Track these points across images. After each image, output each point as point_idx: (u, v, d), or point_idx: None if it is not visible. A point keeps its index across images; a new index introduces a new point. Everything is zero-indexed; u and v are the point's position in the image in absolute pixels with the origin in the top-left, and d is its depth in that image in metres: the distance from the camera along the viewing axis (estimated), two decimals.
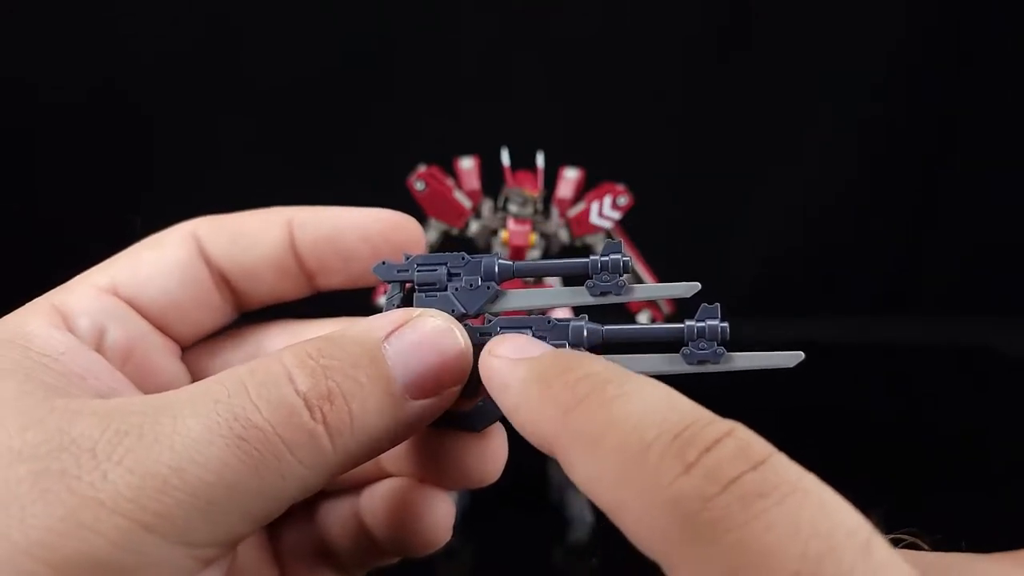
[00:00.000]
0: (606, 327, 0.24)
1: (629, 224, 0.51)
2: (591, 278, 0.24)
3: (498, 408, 0.22)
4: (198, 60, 0.78)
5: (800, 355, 0.23)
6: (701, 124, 0.84)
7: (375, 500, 0.26)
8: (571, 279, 0.25)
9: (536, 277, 0.26)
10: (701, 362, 0.23)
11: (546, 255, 0.51)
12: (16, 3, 0.74)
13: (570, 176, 0.51)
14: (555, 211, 0.50)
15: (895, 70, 0.83)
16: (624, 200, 0.49)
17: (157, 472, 0.18)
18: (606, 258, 0.24)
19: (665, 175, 0.81)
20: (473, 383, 0.23)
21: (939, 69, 0.83)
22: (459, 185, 0.51)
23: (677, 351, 0.23)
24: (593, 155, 0.52)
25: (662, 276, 0.51)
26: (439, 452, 0.25)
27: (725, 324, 0.23)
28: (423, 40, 0.80)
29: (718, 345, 0.23)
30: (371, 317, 0.22)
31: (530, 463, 0.57)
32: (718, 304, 0.23)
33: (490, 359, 0.21)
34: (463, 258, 0.24)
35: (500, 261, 0.24)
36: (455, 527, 0.56)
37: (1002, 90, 0.84)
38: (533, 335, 0.23)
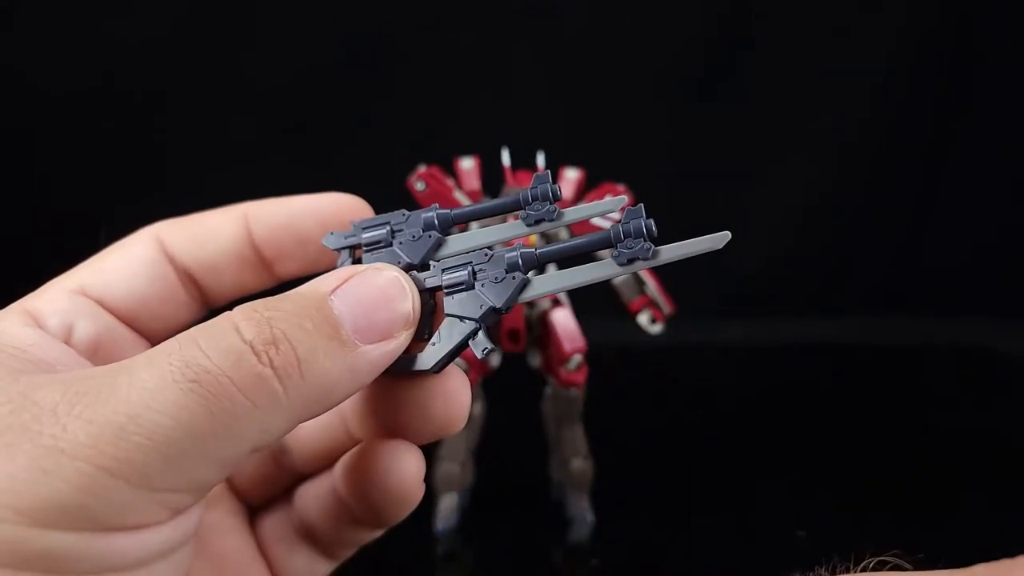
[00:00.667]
0: (540, 250, 0.24)
1: None
2: (523, 209, 0.25)
3: (453, 346, 0.23)
4: (200, 60, 0.78)
5: (727, 235, 0.23)
6: (701, 125, 0.84)
7: (344, 467, 0.26)
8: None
9: (472, 219, 0.27)
10: (631, 260, 0.24)
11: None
12: (21, 2, 0.75)
13: (571, 176, 0.51)
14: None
15: (894, 70, 0.83)
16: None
17: (114, 420, 0.19)
18: (535, 189, 0.25)
19: (665, 175, 0.81)
20: (423, 326, 0.24)
21: (938, 69, 0.83)
22: (459, 185, 0.51)
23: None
24: (593, 155, 0.52)
25: (662, 275, 0.51)
26: (401, 404, 0.25)
27: (650, 220, 0.23)
28: (424, 40, 0.80)
29: (644, 241, 0.23)
30: (317, 278, 0.23)
31: (530, 463, 0.57)
32: (641, 205, 0.24)
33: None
34: (403, 214, 0.26)
35: (439, 211, 0.25)
36: (455, 528, 0.56)
37: (1002, 89, 0.84)
38: (473, 269, 0.24)
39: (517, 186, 0.49)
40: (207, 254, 0.27)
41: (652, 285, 0.50)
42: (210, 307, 0.28)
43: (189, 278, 0.27)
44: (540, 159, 0.50)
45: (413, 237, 0.25)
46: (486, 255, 0.24)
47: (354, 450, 0.26)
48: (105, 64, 0.77)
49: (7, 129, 0.78)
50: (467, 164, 0.51)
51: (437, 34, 0.80)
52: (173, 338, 0.21)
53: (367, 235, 0.25)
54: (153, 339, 0.27)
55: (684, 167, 0.83)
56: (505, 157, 0.49)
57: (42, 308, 0.24)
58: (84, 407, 0.19)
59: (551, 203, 0.25)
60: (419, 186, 0.49)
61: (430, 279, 0.24)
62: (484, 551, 0.53)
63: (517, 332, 0.49)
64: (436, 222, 0.25)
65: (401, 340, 0.23)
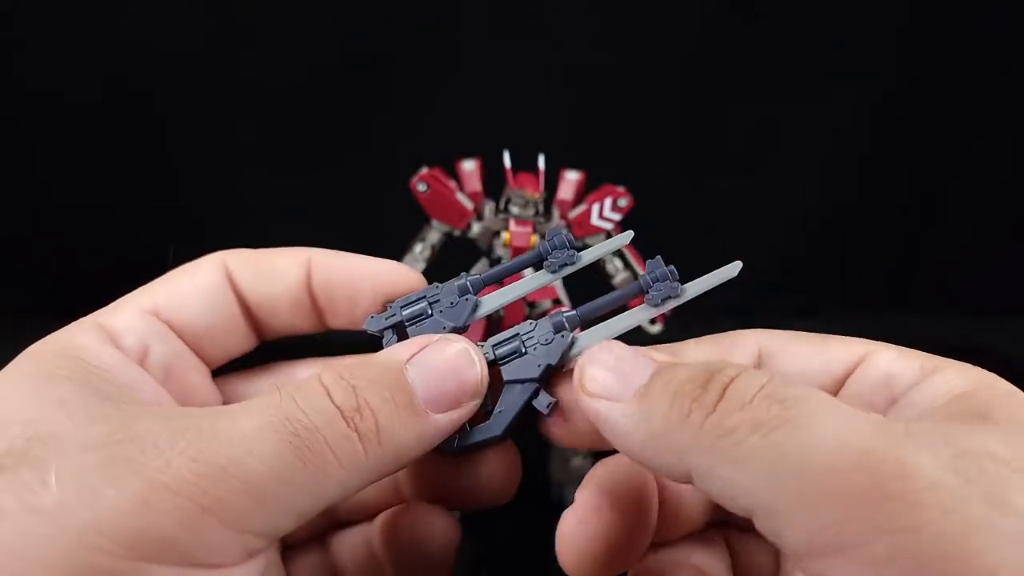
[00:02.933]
0: (579, 309, 0.27)
1: (629, 226, 0.51)
2: (545, 259, 0.28)
3: (519, 408, 0.25)
4: (202, 62, 0.79)
5: (739, 264, 0.27)
6: (700, 127, 0.84)
7: (384, 526, 0.28)
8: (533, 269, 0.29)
9: (501, 279, 0.29)
10: (665, 300, 0.26)
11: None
12: (27, 6, 0.75)
13: (571, 178, 0.51)
14: (556, 213, 0.51)
15: (894, 70, 0.84)
16: (624, 202, 0.50)
17: (216, 461, 0.20)
18: (551, 239, 0.28)
19: (665, 177, 0.81)
20: (487, 396, 0.25)
21: (938, 68, 0.84)
22: (461, 187, 0.51)
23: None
24: (594, 157, 0.53)
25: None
26: (459, 471, 0.27)
27: (671, 266, 0.27)
28: (425, 43, 0.80)
29: (672, 282, 0.26)
30: (396, 344, 0.25)
31: (531, 461, 0.57)
32: (659, 257, 0.27)
33: (591, 403, 0.23)
34: (436, 286, 0.28)
35: (470, 277, 0.28)
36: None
37: (1002, 87, 0.84)
38: (522, 338, 0.26)
39: (518, 188, 0.49)
40: (270, 292, 0.28)
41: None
42: (261, 340, 0.29)
43: (248, 311, 0.28)
44: (541, 161, 0.50)
45: (451, 303, 0.27)
46: (531, 325, 0.26)
47: (395, 510, 0.28)
48: (114, 65, 0.78)
49: (15, 128, 0.79)
50: (469, 166, 0.51)
51: (439, 37, 0.80)
52: (268, 394, 0.22)
53: (407, 311, 0.27)
54: (209, 364, 0.28)
55: (683, 169, 0.84)
56: (507, 159, 0.50)
57: (118, 326, 0.25)
58: (187, 444, 0.20)
59: (569, 249, 0.28)
60: (421, 188, 0.50)
61: (497, 348, 0.26)
62: (484, 548, 0.53)
63: None
64: (469, 287, 0.27)
65: (468, 408, 0.24)
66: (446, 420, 0.24)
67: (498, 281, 0.28)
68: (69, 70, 0.78)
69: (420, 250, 0.51)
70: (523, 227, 0.49)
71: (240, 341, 0.28)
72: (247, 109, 0.81)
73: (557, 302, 0.51)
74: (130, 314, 0.26)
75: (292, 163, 0.82)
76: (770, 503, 0.19)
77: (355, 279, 0.28)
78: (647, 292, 0.26)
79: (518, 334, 0.26)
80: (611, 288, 0.52)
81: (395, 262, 0.28)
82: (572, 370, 0.25)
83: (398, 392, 0.23)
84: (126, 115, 0.80)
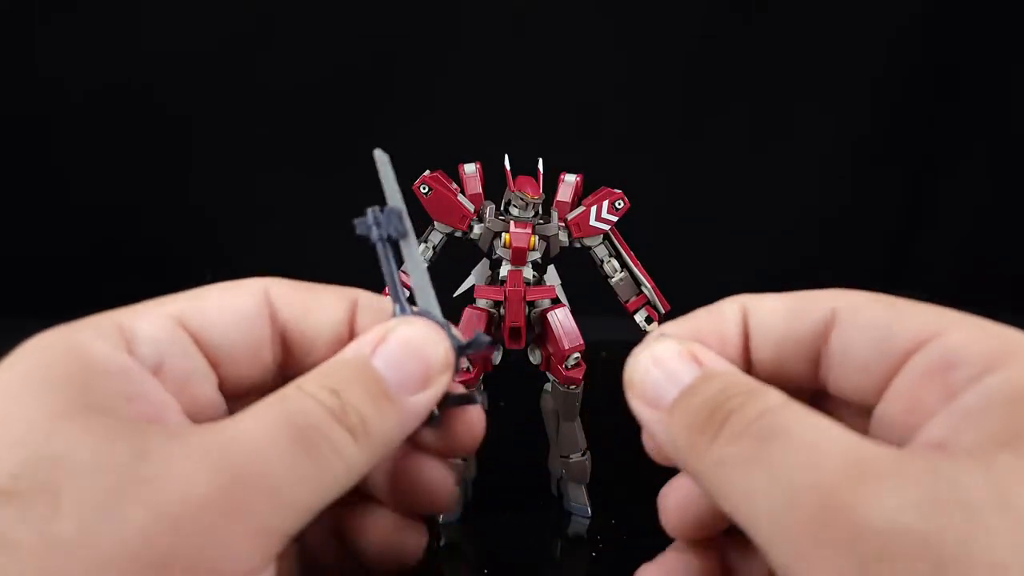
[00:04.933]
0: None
1: (627, 227, 0.52)
2: (374, 244, 0.27)
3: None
4: (205, 64, 0.80)
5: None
6: (698, 130, 0.84)
7: (360, 522, 0.28)
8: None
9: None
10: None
11: (546, 256, 0.52)
12: (39, 10, 0.76)
13: (570, 180, 0.52)
14: (555, 214, 0.51)
15: (893, 70, 0.84)
16: (621, 204, 0.51)
17: (233, 468, 0.20)
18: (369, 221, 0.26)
19: (663, 179, 0.82)
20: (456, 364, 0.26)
21: (933, 70, 0.84)
22: (463, 189, 0.52)
23: None
24: (592, 160, 0.53)
25: (658, 279, 0.52)
26: (411, 478, 0.27)
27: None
28: (427, 49, 0.81)
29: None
30: (355, 340, 0.25)
31: (530, 457, 0.58)
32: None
33: (635, 404, 0.25)
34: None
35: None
36: (457, 520, 0.57)
37: (998, 89, 0.85)
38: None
39: (518, 190, 0.50)
40: (311, 329, 0.27)
41: (648, 286, 0.52)
42: (285, 376, 0.27)
43: (281, 342, 0.27)
44: (540, 164, 0.51)
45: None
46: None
47: (369, 513, 0.28)
48: (126, 69, 0.79)
49: (30, 127, 0.80)
50: (470, 169, 0.52)
51: (441, 43, 0.81)
52: (273, 396, 0.22)
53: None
54: (232, 384, 0.27)
55: (681, 171, 0.84)
56: (507, 162, 0.51)
57: (138, 332, 0.24)
58: (201, 455, 0.20)
59: (384, 217, 0.26)
60: (424, 190, 0.50)
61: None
62: (485, 542, 0.54)
63: (518, 330, 0.50)
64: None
65: (440, 385, 0.25)
66: (421, 400, 0.25)
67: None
68: (79, 70, 0.79)
69: (422, 251, 0.52)
70: (523, 228, 0.50)
71: (261, 373, 0.27)
72: (257, 111, 0.82)
73: (556, 301, 0.52)
74: (154, 320, 0.25)
75: (297, 166, 0.83)
76: (752, 534, 0.21)
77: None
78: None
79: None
80: (611, 288, 0.53)
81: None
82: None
83: (371, 384, 0.24)
84: (135, 116, 0.81)
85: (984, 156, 0.87)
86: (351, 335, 0.27)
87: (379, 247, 0.26)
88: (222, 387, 0.26)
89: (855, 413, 0.26)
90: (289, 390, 0.23)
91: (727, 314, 0.27)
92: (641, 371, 0.25)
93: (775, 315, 0.27)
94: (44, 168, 0.82)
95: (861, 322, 0.25)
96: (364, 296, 0.28)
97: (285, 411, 0.22)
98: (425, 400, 0.25)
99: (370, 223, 0.26)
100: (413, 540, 0.28)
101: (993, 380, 0.21)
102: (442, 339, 0.25)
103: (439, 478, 0.28)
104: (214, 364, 0.26)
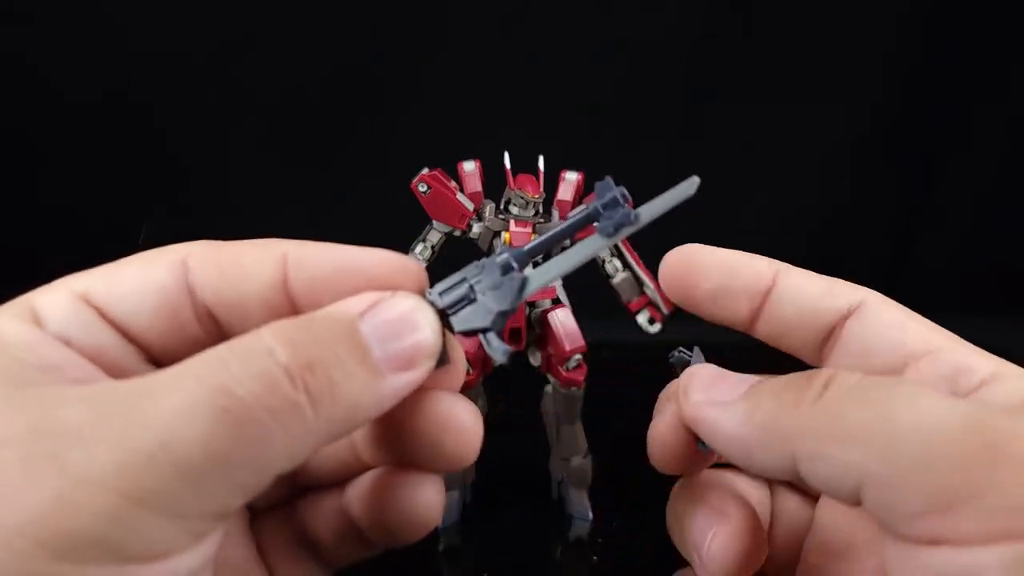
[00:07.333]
0: (527, 246, 0.25)
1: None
2: (596, 221, 0.25)
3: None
4: (206, 65, 0.79)
5: (696, 180, 0.26)
6: (699, 129, 0.84)
7: (361, 493, 0.26)
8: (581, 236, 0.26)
9: (548, 249, 0.26)
10: (617, 228, 0.24)
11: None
12: (31, 12, 0.76)
13: (570, 179, 0.51)
14: (556, 213, 0.51)
15: (893, 69, 0.84)
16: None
17: (143, 448, 0.18)
18: (604, 198, 0.25)
19: (663, 179, 0.82)
20: (444, 355, 0.24)
21: (932, 69, 0.84)
22: (462, 188, 0.51)
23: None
24: (593, 158, 0.53)
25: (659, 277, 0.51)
26: (413, 437, 0.25)
27: (622, 187, 0.24)
28: (426, 46, 0.81)
29: (623, 208, 0.24)
30: (341, 301, 0.23)
31: (530, 460, 0.58)
32: (609, 177, 0.25)
33: (695, 410, 0.25)
34: (477, 266, 0.25)
35: (512, 251, 0.25)
36: (456, 524, 0.57)
37: (997, 88, 0.85)
38: (469, 283, 0.24)
39: (518, 189, 0.49)
40: (236, 294, 0.24)
41: (651, 286, 0.51)
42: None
43: (208, 314, 0.24)
44: (541, 162, 0.50)
45: (494, 285, 0.24)
46: (478, 267, 0.24)
47: (370, 475, 0.26)
48: (116, 72, 0.78)
49: (18, 130, 0.79)
50: (469, 167, 0.52)
51: (440, 41, 0.81)
52: (201, 356, 0.20)
53: (447, 299, 0.24)
54: (159, 359, 0.24)
55: (681, 171, 0.84)
56: (506, 160, 0.50)
57: (39, 308, 0.23)
58: (111, 431, 0.18)
59: (623, 206, 0.24)
60: (422, 188, 0.50)
61: (460, 303, 0.24)
62: (485, 546, 0.54)
63: (519, 331, 0.50)
64: (513, 263, 0.24)
65: (423, 370, 0.23)
66: (403, 381, 0.22)
67: (544, 251, 0.26)
68: (68, 73, 0.78)
69: (421, 250, 0.52)
70: (523, 227, 0.50)
71: (194, 347, 0.23)
72: (256, 112, 0.81)
73: (556, 301, 0.51)
74: (56, 296, 0.23)
75: (295, 166, 0.83)
76: (883, 473, 0.20)
77: (344, 275, 0.24)
78: (597, 220, 0.24)
79: (465, 279, 0.24)
80: (611, 288, 0.52)
81: (390, 252, 0.24)
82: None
83: (353, 346, 0.21)
84: (123, 120, 0.80)
85: (984, 156, 0.87)
86: (288, 299, 0.24)
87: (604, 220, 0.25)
88: (156, 362, 0.24)
89: None
90: (241, 339, 0.20)
91: (761, 263, 0.28)
92: (707, 379, 0.26)
93: (808, 284, 0.28)
94: (45, 171, 0.82)
95: (886, 319, 0.27)
96: (295, 250, 0.24)
97: (214, 382, 0.19)
98: (407, 382, 0.22)
99: (619, 199, 0.24)
100: (426, 495, 0.25)
101: (1004, 386, 0.24)
102: (433, 318, 0.23)
103: (427, 498, 0.25)
104: (131, 338, 0.24)
